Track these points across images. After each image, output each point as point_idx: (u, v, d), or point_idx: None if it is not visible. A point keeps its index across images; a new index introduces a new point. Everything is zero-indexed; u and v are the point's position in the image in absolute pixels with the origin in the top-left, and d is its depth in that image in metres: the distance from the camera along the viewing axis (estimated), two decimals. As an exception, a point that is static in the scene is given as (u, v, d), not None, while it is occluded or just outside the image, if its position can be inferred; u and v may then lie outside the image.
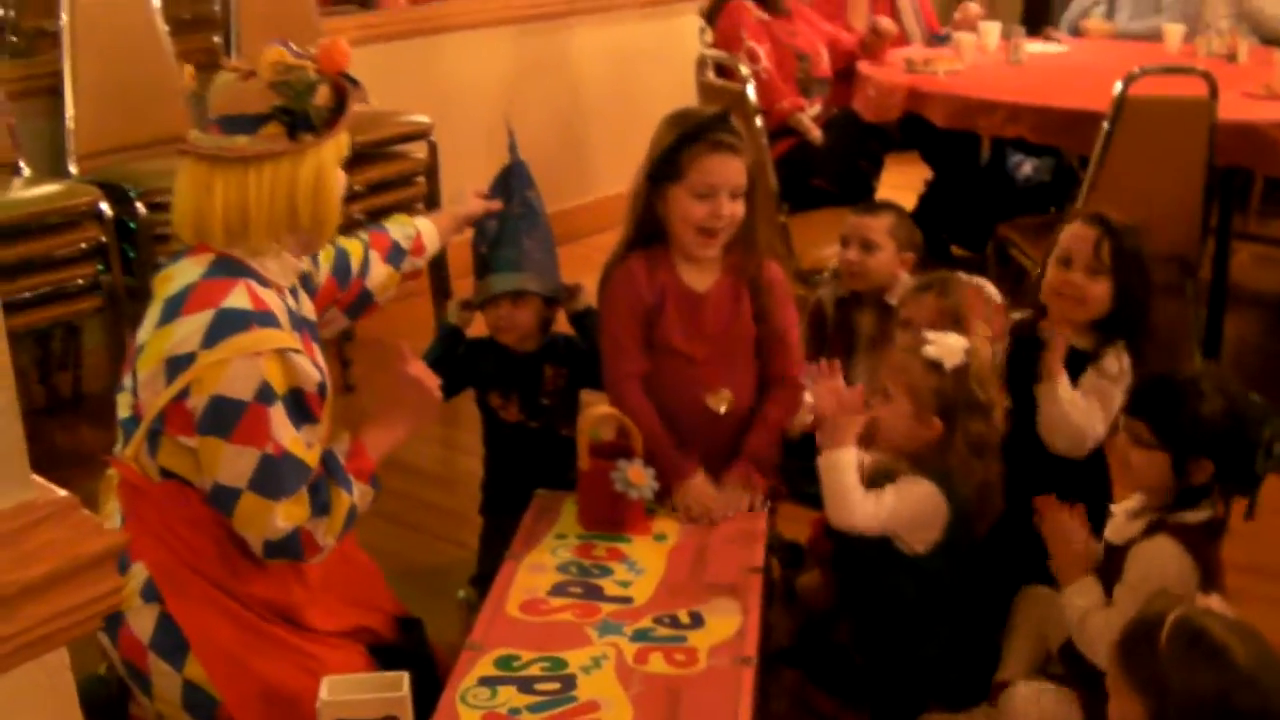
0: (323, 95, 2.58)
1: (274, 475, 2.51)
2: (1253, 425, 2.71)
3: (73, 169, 4.79)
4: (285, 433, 2.53)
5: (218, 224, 2.56)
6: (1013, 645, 3.05)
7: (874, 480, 2.97)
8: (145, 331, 2.57)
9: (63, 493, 1.63)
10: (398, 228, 3.22)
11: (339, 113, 2.60)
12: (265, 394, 2.49)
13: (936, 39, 6.29)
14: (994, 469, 3.00)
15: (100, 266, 4.50)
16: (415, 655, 2.80)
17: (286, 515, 2.53)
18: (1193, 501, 2.76)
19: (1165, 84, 4.62)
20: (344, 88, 2.62)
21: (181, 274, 2.58)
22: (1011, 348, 3.28)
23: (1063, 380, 3.19)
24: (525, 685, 2.52)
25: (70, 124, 4.80)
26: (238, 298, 2.51)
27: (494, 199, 3.39)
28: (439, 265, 5.60)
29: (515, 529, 3.10)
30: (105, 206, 4.48)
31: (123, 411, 2.63)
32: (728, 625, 2.72)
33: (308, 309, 2.81)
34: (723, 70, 5.44)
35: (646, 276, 3.26)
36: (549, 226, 3.50)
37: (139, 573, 2.58)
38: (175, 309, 2.52)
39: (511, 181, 3.45)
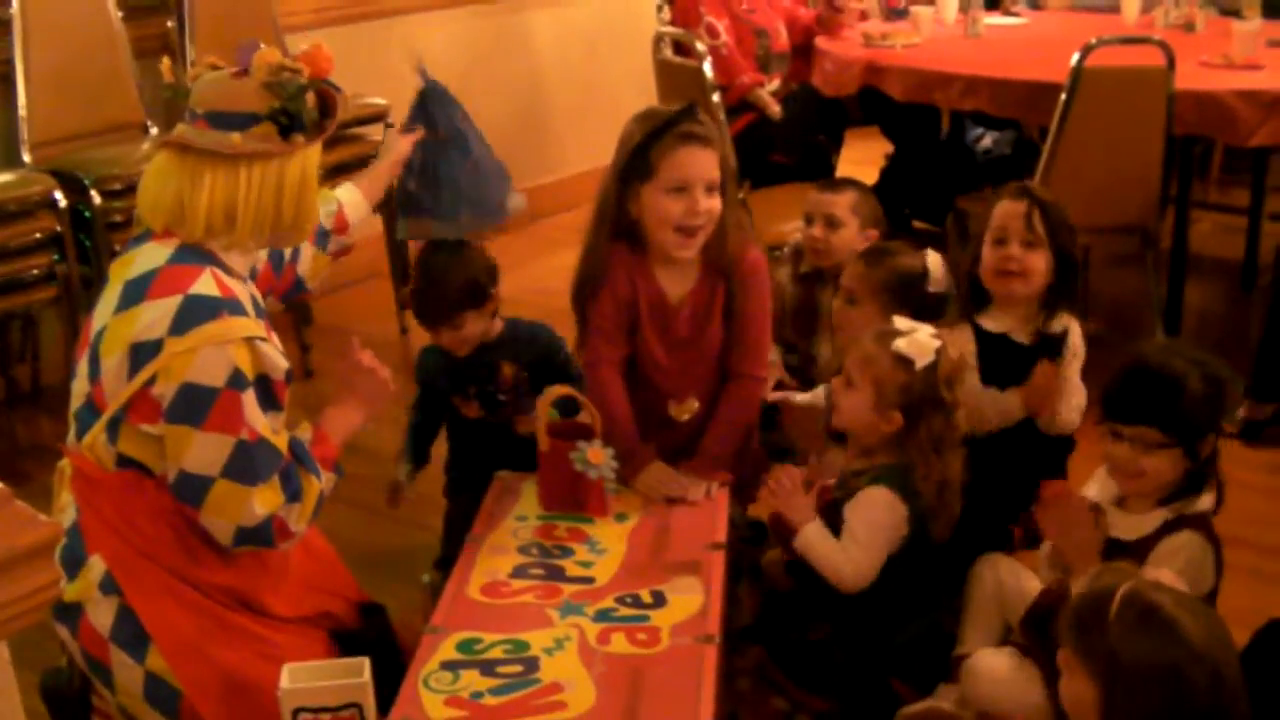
0: (311, 99, 2.60)
1: (249, 462, 2.50)
2: (1228, 381, 2.72)
3: (26, 158, 4.75)
4: (258, 419, 2.52)
5: (201, 217, 2.55)
6: (971, 618, 3.03)
7: (840, 484, 2.99)
8: (103, 315, 2.55)
9: (-3, 484, 1.61)
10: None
11: (326, 116, 2.63)
12: (237, 380, 2.48)
13: (894, 13, 6.28)
14: (953, 467, 2.97)
15: (55, 256, 4.48)
16: (378, 641, 2.79)
17: (263, 502, 2.52)
18: (1199, 484, 2.74)
19: (1123, 55, 4.62)
20: (329, 93, 2.65)
21: (144, 258, 2.56)
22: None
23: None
24: (488, 668, 2.51)
25: (23, 112, 4.77)
26: (205, 284, 2.50)
27: (414, 129, 3.32)
28: (400, 247, 5.58)
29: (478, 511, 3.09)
30: (60, 195, 4.46)
31: (76, 401, 2.60)
32: (690, 604, 2.72)
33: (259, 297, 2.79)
34: (680, 48, 5.43)
35: (625, 275, 3.24)
36: (485, 146, 3.45)
37: (96, 565, 2.56)
38: (139, 293, 2.50)
39: (430, 107, 3.37)
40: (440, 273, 3.27)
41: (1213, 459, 2.76)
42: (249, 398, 2.50)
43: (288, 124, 2.55)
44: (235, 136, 2.53)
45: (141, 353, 2.46)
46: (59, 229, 4.46)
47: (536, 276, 5.71)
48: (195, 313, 2.46)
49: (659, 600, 2.73)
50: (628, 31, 6.88)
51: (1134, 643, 2.04)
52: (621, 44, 7.01)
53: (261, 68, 2.56)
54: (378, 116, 5.42)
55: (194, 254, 2.55)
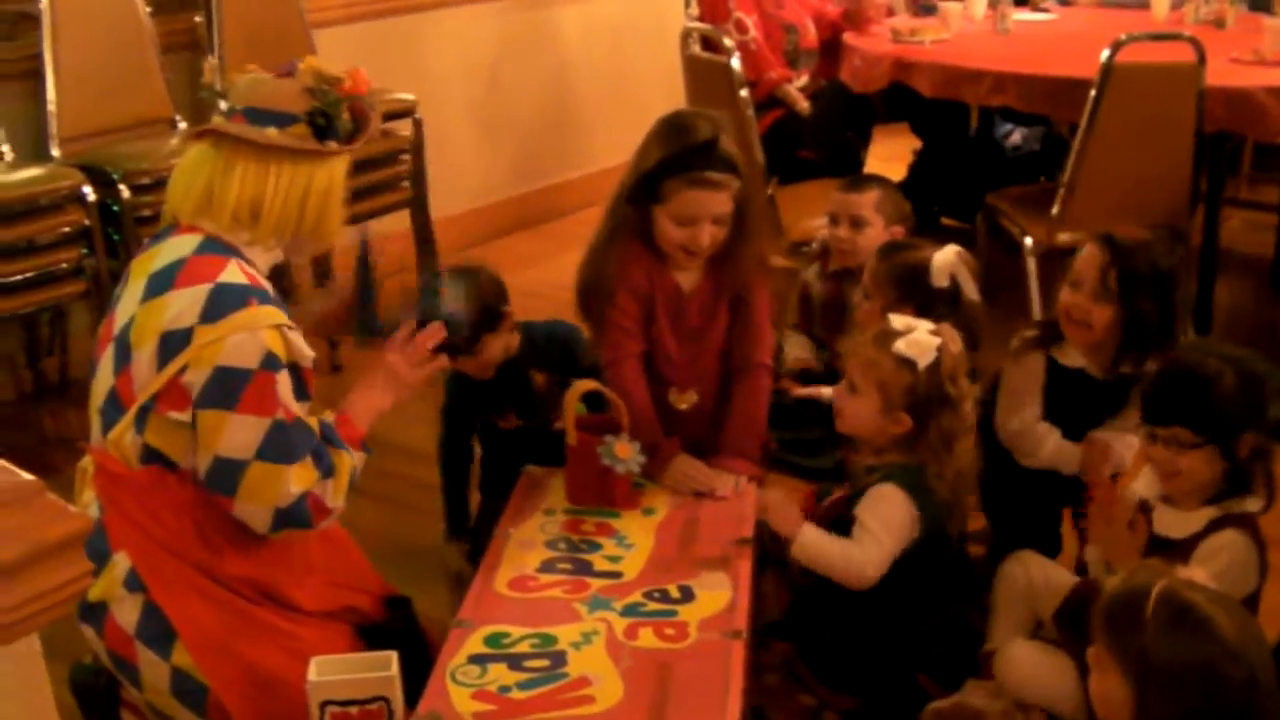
0: (348, 112, 2.65)
1: (285, 441, 2.50)
2: (1265, 376, 2.69)
3: (55, 152, 4.76)
4: (292, 400, 2.53)
5: (228, 207, 2.58)
6: (1000, 614, 3.03)
7: (853, 484, 3.00)
8: (127, 308, 2.56)
9: (28, 476, 1.61)
10: None
11: (360, 130, 2.67)
12: (271, 362, 2.48)
13: (924, 9, 6.26)
14: (964, 459, 2.96)
15: (84, 250, 4.49)
16: (405, 634, 2.79)
17: (298, 479, 2.52)
18: (1244, 483, 2.71)
19: (1153, 51, 4.60)
20: (364, 111, 2.69)
21: (168, 250, 2.58)
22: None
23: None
24: (515, 662, 2.50)
25: (52, 107, 4.77)
26: (232, 273, 2.52)
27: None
28: (426, 244, 5.60)
29: None
30: (88, 190, 4.47)
31: (98, 397, 2.61)
32: (718, 599, 2.71)
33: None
34: (708, 43, 5.42)
35: (642, 271, 3.23)
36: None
37: (121, 562, 2.56)
38: (167, 282, 2.51)
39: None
40: (451, 305, 3.26)
41: (1258, 457, 2.71)
42: (284, 379, 2.51)
43: (324, 127, 2.59)
44: (271, 130, 2.56)
45: (171, 342, 2.47)
46: (87, 223, 4.47)
47: (562, 270, 5.68)
48: (224, 300, 2.48)
49: (687, 595, 2.72)
50: (655, 27, 6.89)
51: (1168, 641, 2.02)
52: (649, 39, 7.01)
53: (306, 73, 2.63)
54: (406, 112, 5.43)
55: (219, 246, 2.57)
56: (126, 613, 2.57)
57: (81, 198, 4.45)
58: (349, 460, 2.64)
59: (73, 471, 2.73)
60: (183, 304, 2.48)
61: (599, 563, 2.85)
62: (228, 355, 2.45)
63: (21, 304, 4.42)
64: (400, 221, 5.60)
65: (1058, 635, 2.88)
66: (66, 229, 4.44)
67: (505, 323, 3.29)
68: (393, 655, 2.42)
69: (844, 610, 2.99)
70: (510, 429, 3.41)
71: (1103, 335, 3.18)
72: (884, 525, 2.88)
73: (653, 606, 2.69)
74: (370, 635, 2.74)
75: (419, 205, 5.58)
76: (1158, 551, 2.72)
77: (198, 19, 5.33)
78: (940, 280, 3.38)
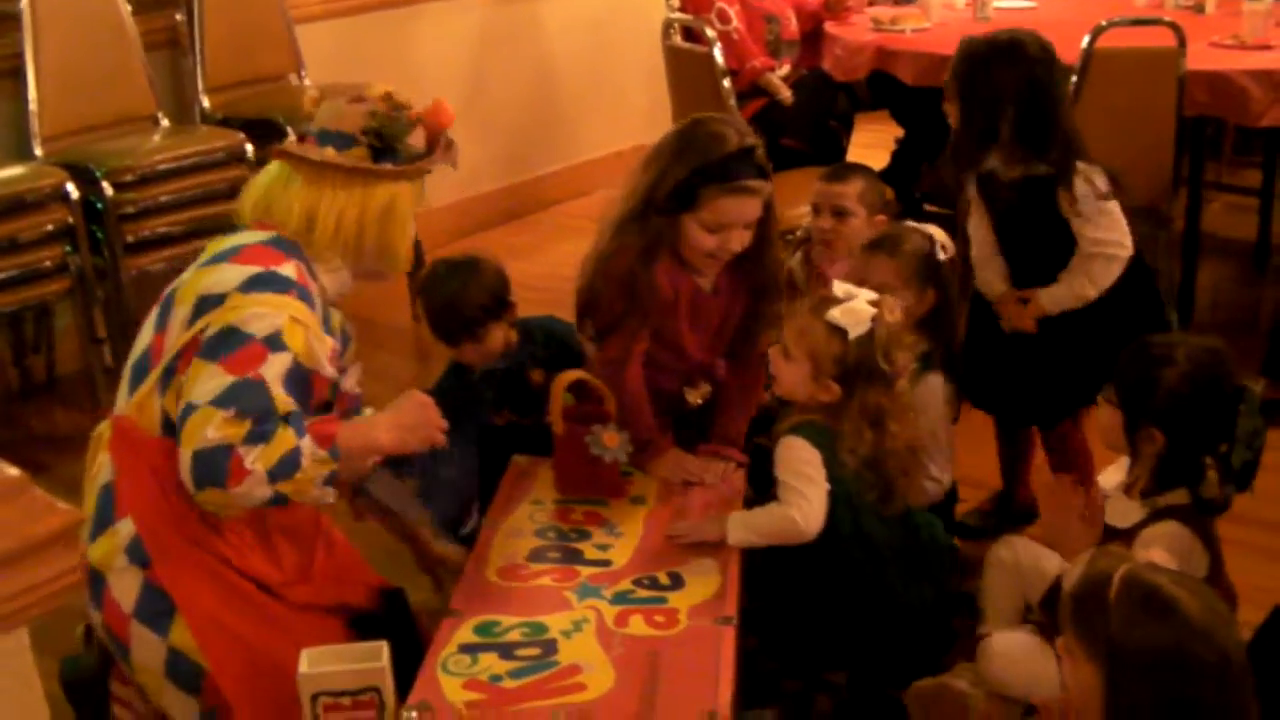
0: (416, 139, 2.71)
1: (236, 393, 2.45)
2: (1219, 406, 2.68)
3: (37, 151, 4.76)
4: (272, 372, 2.49)
5: (284, 212, 2.67)
6: (990, 598, 3.04)
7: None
8: (187, 273, 2.64)
9: (14, 471, 1.61)
10: None
11: (425, 157, 2.72)
12: (274, 341, 2.49)
13: (904, -2, 6.27)
14: (898, 438, 2.89)
15: (68, 248, 4.49)
16: (397, 624, 2.79)
17: (221, 428, 2.42)
18: (1167, 480, 2.74)
19: (1133, 36, 4.61)
20: (438, 141, 2.75)
21: (239, 237, 2.66)
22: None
23: (1041, 301, 3.46)
24: (506, 651, 2.51)
25: (33, 105, 4.78)
26: (288, 269, 2.58)
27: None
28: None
29: None
30: (71, 187, 4.48)
31: (134, 355, 2.66)
32: (707, 585, 2.72)
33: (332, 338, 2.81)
34: (690, 34, 5.42)
35: (669, 283, 3.19)
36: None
37: (125, 528, 2.57)
38: (225, 256, 2.59)
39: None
40: (457, 290, 3.27)
41: (1174, 464, 2.73)
42: (278, 359, 2.49)
43: (380, 148, 2.66)
44: (330, 150, 2.65)
45: (205, 304, 2.52)
46: (71, 221, 4.48)
47: (550, 263, 5.72)
48: (268, 283, 2.53)
49: (676, 582, 2.74)
50: (637, 18, 6.89)
51: (1135, 625, 2.00)
52: (631, 31, 7.02)
53: (374, 98, 2.70)
54: (387, 107, 5.41)
55: (288, 245, 2.63)
56: (125, 588, 2.57)
57: (65, 195, 4.47)
58: (292, 440, 2.47)
59: (62, 469, 2.74)
60: (228, 275, 2.54)
61: (588, 551, 2.86)
62: (242, 320, 2.48)
63: (5, 302, 4.44)
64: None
65: (1044, 619, 2.90)
66: (50, 227, 4.45)
67: (510, 312, 3.31)
68: (383, 646, 2.42)
69: (777, 586, 2.97)
70: (505, 425, 3.41)
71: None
72: (796, 475, 2.82)
73: (642, 594, 2.70)
74: (363, 625, 2.74)
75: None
76: (1106, 541, 2.75)
77: (179, 16, 5.33)
78: (948, 252, 3.45)
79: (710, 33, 4.99)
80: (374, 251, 2.71)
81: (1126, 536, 2.73)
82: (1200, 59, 4.60)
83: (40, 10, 4.78)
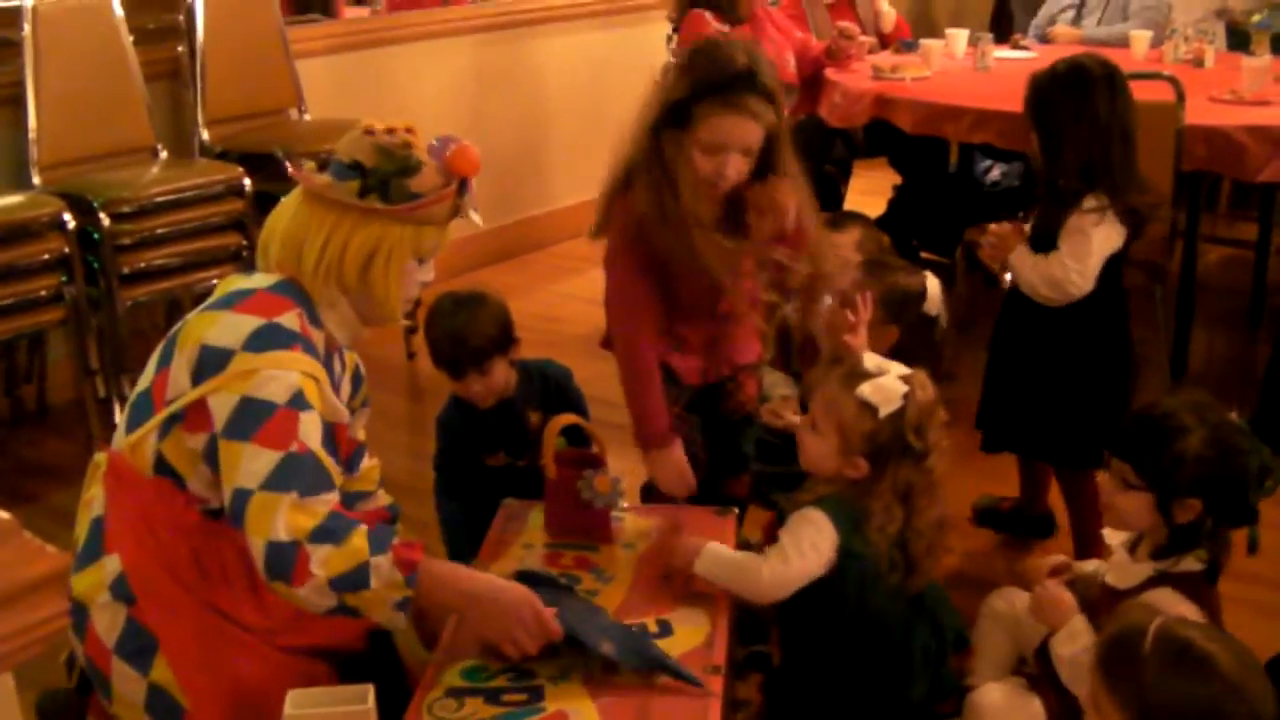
0: (422, 182, 2.63)
1: (289, 471, 2.41)
2: (1238, 457, 2.66)
3: (35, 179, 4.75)
4: (314, 438, 2.47)
5: (276, 239, 2.66)
6: (981, 649, 3.03)
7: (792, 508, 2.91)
8: (193, 313, 2.63)
9: (3, 515, 1.60)
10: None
11: (420, 200, 2.63)
12: (299, 401, 2.47)
13: (905, 45, 6.30)
14: (927, 515, 2.83)
15: (64, 277, 4.49)
16: (383, 666, 2.78)
17: (290, 519, 2.38)
18: (1189, 542, 2.70)
19: (1132, 89, 4.61)
20: (450, 184, 2.68)
21: (249, 280, 2.65)
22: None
23: (1017, 250, 3.56)
24: (492, 696, 2.49)
25: (32, 134, 4.77)
26: (290, 320, 2.55)
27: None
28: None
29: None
30: (68, 217, 4.47)
31: (136, 392, 2.65)
32: (696, 633, 2.70)
33: (344, 390, 2.81)
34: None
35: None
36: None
37: (112, 565, 2.56)
38: (228, 303, 2.57)
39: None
40: (465, 322, 3.26)
41: (1202, 527, 2.69)
42: (309, 418, 2.47)
43: (367, 184, 2.60)
44: (326, 178, 2.63)
45: (210, 357, 2.49)
46: (67, 250, 4.47)
47: (543, 304, 5.73)
48: (272, 338, 2.50)
49: (665, 630, 2.71)
50: (635, 60, 6.89)
51: (1169, 681, 2.01)
52: (629, 73, 7.00)
53: (385, 132, 2.65)
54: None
55: (294, 291, 2.62)
56: (107, 623, 2.56)
57: (61, 225, 4.46)
58: (364, 552, 2.40)
59: (52, 500, 2.73)
60: (234, 325, 2.51)
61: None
62: (257, 388, 2.45)
63: (-1, 330, 4.42)
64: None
65: (1038, 671, 2.89)
66: (46, 256, 4.44)
67: (515, 347, 3.31)
68: (369, 689, 2.40)
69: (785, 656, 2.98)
70: (499, 467, 3.40)
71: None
72: (796, 544, 2.78)
73: (631, 641, 2.68)
74: (349, 665, 2.73)
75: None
76: (1102, 601, 2.76)
77: (180, 48, 5.33)
78: (934, 308, 3.43)
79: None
80: (355, 289, 2.66)
81: (1124, 598, 2.70)
82: (1199, 114, 4.62)
83: (41, 38, 4.78)
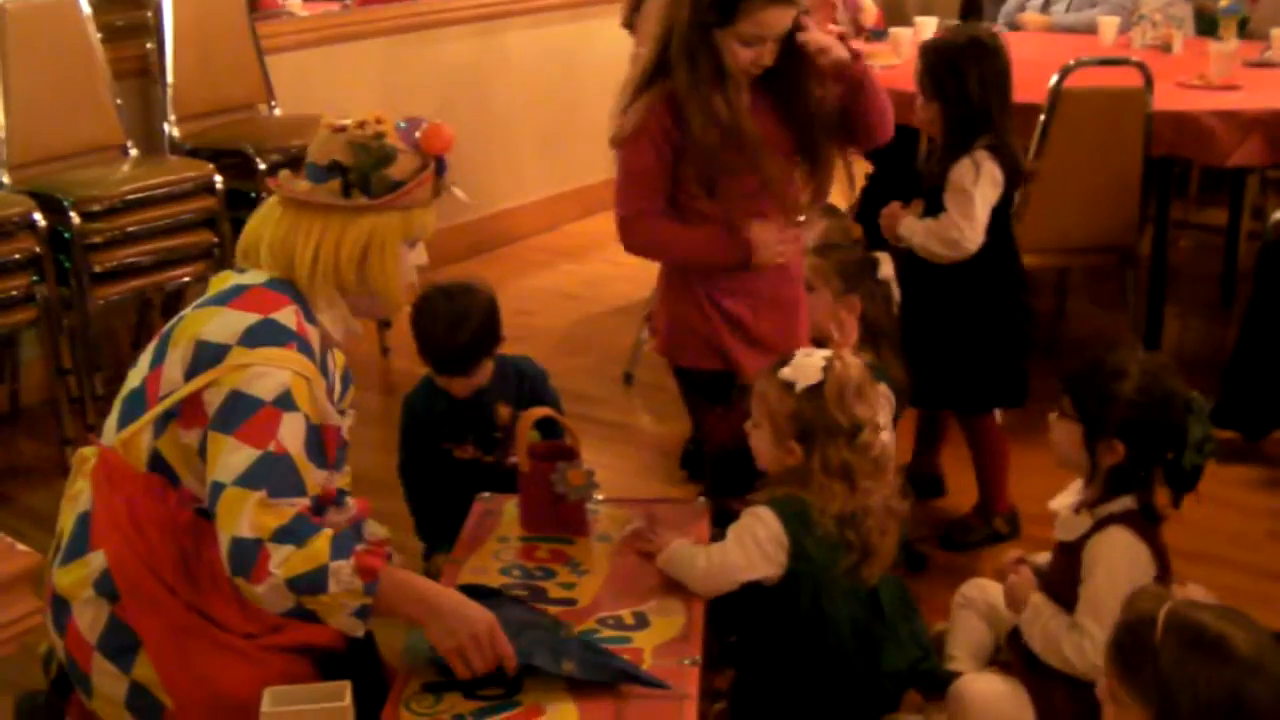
0: (401, 168, 2.62)
1: (263, 469, 2.42)
2: (1168, 412, 2.74)
3: (5, 179, 4.73)
4: (295, 440, 2.47)
5: (264, 247, 2.64)
6: (958, 637, 3.04)
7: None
8: (187, 310, 2.63)
9: (-25, 515, 1.60)
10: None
11: (402, 187, 2.62)
12: (285, 400, 2.47)
13: (874, 34, 6.29)
14: (874, 495, 2.87)
15: (34, 277, 4.47)
16: (362, 662, 2.77)
17: (256, 516, 2.38)
18: (1117, 487, 2.78)
19: (1101, 75, 4.64)
20: (428, 166, 2.67)
21: (243, 277, 2.64)
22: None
23: (904, 222, 3.86)
24: (469, 690, 2.49)
25: (1, 133, 4.74)
26: (286, 316, 2.55)
27: None
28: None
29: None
30: (39, 216, 4.45)
31: (127, 388, 2.64)
32: (672, 625, 2.71)
33: (336, 391, 2.79)
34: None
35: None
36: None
37: (96, 560, 2.55)
38: (225, 299, 2.57)
39: None
40: (459, 320, 3.25)
41: (1127, 473, 2.78)
42: (293, 420, 2.47)
43: (349, 182, 2.59)
44: (305, 185, 2.62)
45: (205, 352, 2.50)
46: (38, 250, 4.45)
47: (514, 298, 5.71)
48: (268, 334, 2.51)
49: (641, 622, 2.72)
50: (607, 53, 6.90)
51: (1186, 667, 1.98)
52: (600, 65, 7.02)
53: (357, 126, 2.63)
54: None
55: (288, 288, 2.62)
56: (89, 620, 2.55)
57: (32, 224, 4.44)
58: (324, 557, 2.38)
59: (26, 501, 2.71)
60: (229, 321, 2.52)
61: (553, 590, 2.84)
62: (248, 382, 2.46)
63: (-30, 331, 4.41)
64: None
65: (1011, 657, 2.90)
66: (16, 256, 4.42)
67: (499, 345, 3.31)
68: (346, 685, 2.40)
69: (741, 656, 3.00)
70: (465, 460, 3.40)
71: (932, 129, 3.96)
72: (737, 536, 2.81)
73: (607, 633, 2.68)
74: (329, 661, 2.72)
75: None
76: (1058, 558, 2.86)
77: (149, 45, 5.31)
78: (886, 272, 3.64)
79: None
80: (355, 288, 2.66)
81: (1074, 548, 2.79)
82: (1167, 99, 4.63)
83: (9, 38, 4.76)
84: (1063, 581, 2.80)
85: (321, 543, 2.40)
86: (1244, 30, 5.73)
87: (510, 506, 3.16)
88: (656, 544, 2.90)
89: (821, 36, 3.08)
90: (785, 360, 2.89)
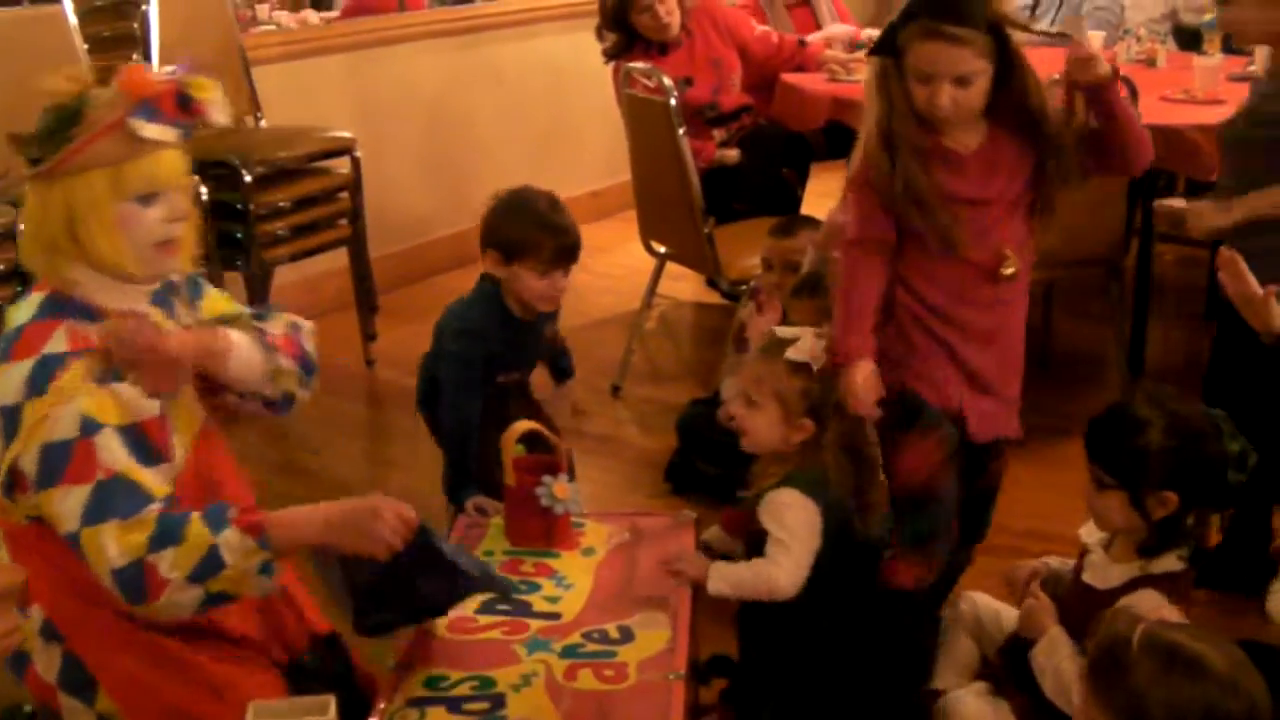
0: (92, 122, 2.48)
1: (103, 498, 2.35)
2: (1202, 442, 2.67)
3: (-17, 189, 4.71)
4: (117, 457, 2.39)
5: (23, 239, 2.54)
6: (946, 653, 3.04)
7: (755, 499, 2.94)
8: None
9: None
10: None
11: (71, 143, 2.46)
12: (89, 426, 2.37)
13: (860, 46, 6.30)
14: (873, 466, 2.98)
15: (19, 288, 4.44)
16: (335, 672, 2.76)
17: (121, 542, 2.33)
18: (1171, 537, 2.71)
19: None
20: (116, 113, 2.49)
21: (16, 313, 2.49)
22: None
23: None
24: (454, 705, 2.49)
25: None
26: (57, 342, 2.42)
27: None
28: (365, 280, 5.59)
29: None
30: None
31: None
32: (657, 639, 2.71)
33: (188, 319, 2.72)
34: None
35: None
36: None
37: (35, 614, 2.52)
38: (4, 353, 2.43)
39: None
40: (555, 201, 3.42)
41: (1176, 520, 2.71)
42: (105, 439, 2.38)
43: (31, 152, 2.50)
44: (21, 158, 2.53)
45: (8, 418, 2.39)
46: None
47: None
48: (45, 372, 2.38)
49: (626, 636, 2.72)
50: (595, 65, 6.91)
51: (1161, 687, 2.00)
52: (589, 78, 7.03)
53: (60, 88, 2.53)
54: (344, 149, 5.41)
55: (54, 306, 2.47)
56: (46, 662, 2.55)
57: (14, 235, 4.42)
58: (208, 538, 2.35)
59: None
60: (12, 380, 2.38)
61: (538, 603, 2.84)
62: (49, 432, 2.36)
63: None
64: (338, 259, 5.59)
65: (1002, 672, 2.90)
66: (1, 267, 4.42)
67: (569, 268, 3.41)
68: (330, 699, 2.39)
69: (775, 641, 2.98)
70: (506, 384, 3.46)
71: None
72: (789, 530, 2.84)
73: (592, 647, 2.68)
74: (297, 674, 2.70)
75: (357, 243, 5.56)
76: (1083, 601, 2.76)
77: (135, 56, 5.29)
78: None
79: (667, 81, 4.99)
80: (75, 254, 2.46)
81: (1105, 599, 2.70)
82: (1152, 113, 4.63)
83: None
84: (1080, 619, 2.66)
85: (197, 527, 2.35)
86: (1229, 45, 5.74)
87: (496, 519, 3.16)
88: (692, 574, 2.89)
89: (1087, 50, 3.00)
90: (778, 341, 2.95)
